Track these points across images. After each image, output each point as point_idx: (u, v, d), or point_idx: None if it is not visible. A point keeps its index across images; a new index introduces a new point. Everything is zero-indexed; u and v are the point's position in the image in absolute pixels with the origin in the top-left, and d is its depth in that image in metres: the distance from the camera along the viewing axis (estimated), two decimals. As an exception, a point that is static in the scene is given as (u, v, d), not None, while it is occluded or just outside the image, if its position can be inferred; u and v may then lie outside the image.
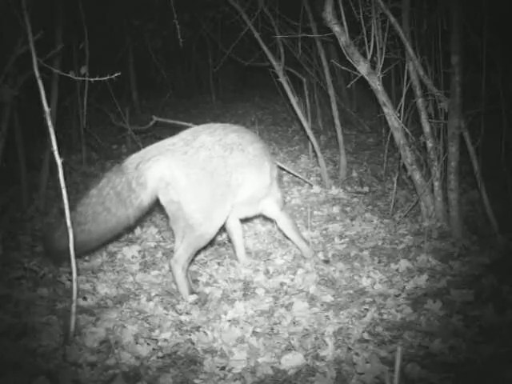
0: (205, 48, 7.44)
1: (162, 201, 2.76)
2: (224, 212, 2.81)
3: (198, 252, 3.31)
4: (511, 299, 2.58)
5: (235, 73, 8.38)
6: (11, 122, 3.94)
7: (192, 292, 2.82)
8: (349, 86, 3.96)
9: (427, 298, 2.64)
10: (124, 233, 3.20)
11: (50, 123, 2.38)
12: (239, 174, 2.81)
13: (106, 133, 6.19)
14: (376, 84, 3.36)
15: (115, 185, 2.65)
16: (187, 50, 7.12)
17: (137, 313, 2.68)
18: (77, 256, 2.46)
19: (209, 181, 2.70)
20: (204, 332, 2.47)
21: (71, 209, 2.44)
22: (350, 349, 2.30)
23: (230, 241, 3.31)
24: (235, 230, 3.20)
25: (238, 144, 2.83)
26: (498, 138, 3.91)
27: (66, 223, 2.38)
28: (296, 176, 4.40)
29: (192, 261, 2.97)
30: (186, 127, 3.13)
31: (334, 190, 4.19)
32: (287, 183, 4.44)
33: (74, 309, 2.47)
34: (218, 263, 3.20)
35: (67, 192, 2.42)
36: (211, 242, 3.36)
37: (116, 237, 2.99)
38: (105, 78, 2.64)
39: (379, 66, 3.35)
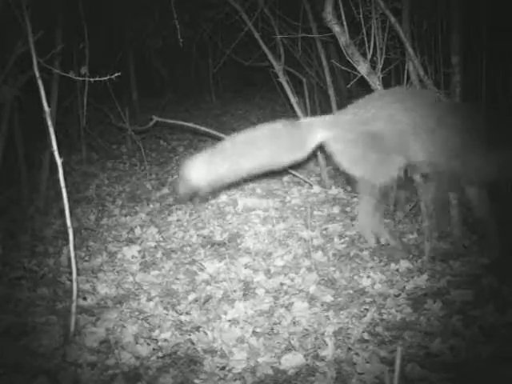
0: (205, 48, 7.44)
1: None
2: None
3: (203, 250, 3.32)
4: (511, 299, 2.58)
5: (235, 73, 8.37)
6: (11, 122, 3.94)
7: (377, 242, 3.18)
8: (349, 86, 3.95)
9: (427, 298, 2.64)
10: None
11: (49, 123, 2.38)
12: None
13: (106, 133, 6.20)
14: (376, 84, 3.35)
15: (290, 133, 3.04)
16: (187, 49, 7.11)
17: (137, 313, 2.69)
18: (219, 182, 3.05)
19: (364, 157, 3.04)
20: (204, 332, 2.47)
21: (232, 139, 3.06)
22: (350, 349, 2.30)
23: None
24: None
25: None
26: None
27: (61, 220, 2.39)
28: (296, 176, 4.40)
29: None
30: (186, 127, 3.17)
31: (334, 190, 4.18)
32: (287, 183, 4.43)
33: (73, 309, 2.47)
34: (218, 263, 3.19)
35: (67, 192, 2.42)
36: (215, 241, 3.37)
37: (259, 173, 3.23)
38: (105, 78, 2.64)
39: (379, 66, 3.35)
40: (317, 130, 3.07)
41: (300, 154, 3.09)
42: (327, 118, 3.21)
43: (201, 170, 3.01)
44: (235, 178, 3.11)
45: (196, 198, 3.29)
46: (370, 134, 2.98)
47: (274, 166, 3.12)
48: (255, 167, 3.07)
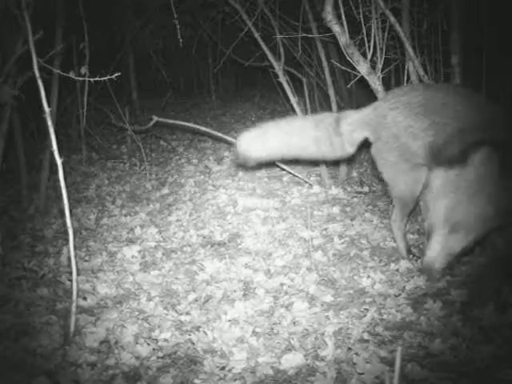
0: (205, 48, 7.44)
1: None
2: (413, 177, 2.91)
3: (205, 250, 3.32)
4: (511, 299, 2.58)
5: (235, 73, 8.38)
6: (11, 123, 3.94)
7: (409, 251, 3.06)
8: (349, 85, 3.96)
9: (427, 297, 2.65)
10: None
11: (50, 123, 2.38)
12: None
13: (106, 133, 6.20)
14: (376, 84, 3.36)
15: (330, 129, 3.03)
16: (187, 49, 7.12)
17: (137, 313, 2.69)
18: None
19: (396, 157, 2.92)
20: (204, 332, 2.47)
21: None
22: (350, 349, 2.30)
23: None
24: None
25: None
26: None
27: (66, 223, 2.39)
28: (296, 176, 4.40)
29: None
30: (186, 127, 3.16)
31: (334, 190, 4.19)
32: (287, 183, 4.44)
33: (74, 309, 2.47)
34: (218, 263, 3.19)
35: (67, 192, 2.42)
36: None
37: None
38: (105, 78, 2.65)
39: (379, 66, 3.36)
40: (361, 128, 2.98)
41: (340, 152, 3.07)
42: (371, 114, 2.96)
43: (256, 140, 3.13)
44: (282, 156, 3.25)
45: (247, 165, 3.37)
46: (405, 141, 2.83)
47: (317, 158, 3.25)
48: (299, 153, 3.16)
